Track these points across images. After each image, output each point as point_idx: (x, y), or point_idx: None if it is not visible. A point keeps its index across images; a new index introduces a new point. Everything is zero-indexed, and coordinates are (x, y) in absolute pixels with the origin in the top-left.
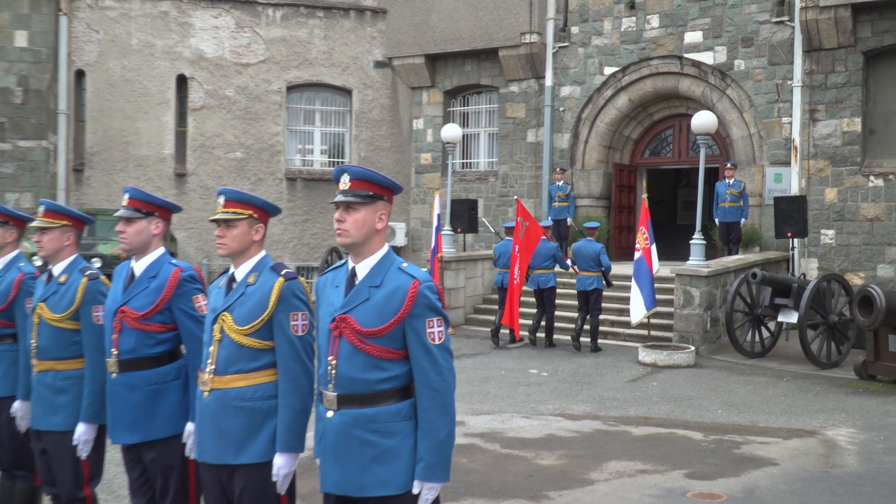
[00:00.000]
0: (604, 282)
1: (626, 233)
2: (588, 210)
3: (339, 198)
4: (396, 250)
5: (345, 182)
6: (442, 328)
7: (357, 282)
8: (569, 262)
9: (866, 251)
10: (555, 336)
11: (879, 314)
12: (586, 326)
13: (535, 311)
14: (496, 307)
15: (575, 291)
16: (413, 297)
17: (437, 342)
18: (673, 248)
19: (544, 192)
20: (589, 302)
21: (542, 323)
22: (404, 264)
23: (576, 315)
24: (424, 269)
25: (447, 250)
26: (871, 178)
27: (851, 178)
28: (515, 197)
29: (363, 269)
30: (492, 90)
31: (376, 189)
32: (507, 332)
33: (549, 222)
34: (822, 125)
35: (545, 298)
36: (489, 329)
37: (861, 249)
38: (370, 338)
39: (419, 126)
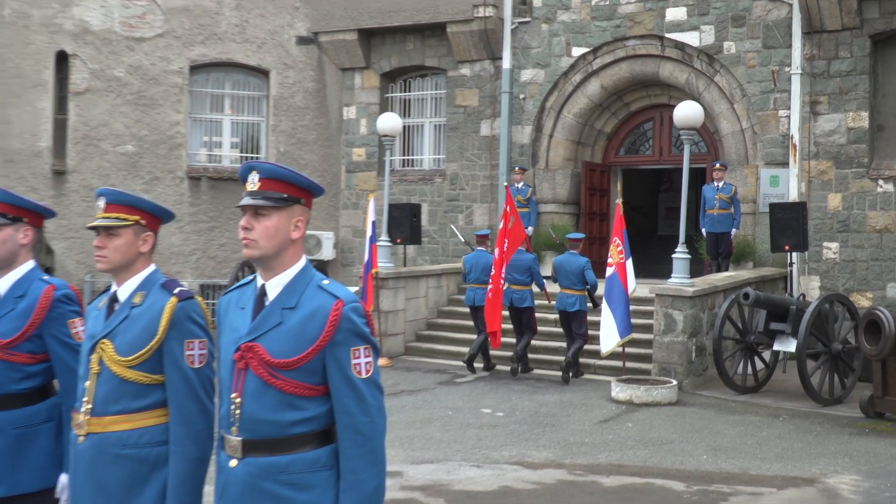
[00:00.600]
0: (589, 302)
1: (597, 245)
2: (553, 217)
3: (247, 201)
4: (323, 265)
5: (253, 182)
6: (370, 359)
7: (267, 303)
8: (545, 280)
9: (874, 268)
10: (537, 369)
11: (888, 342)
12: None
13: (516, 334)
14: (442, 333)
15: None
16: (335, 320)
17: (364, 376)
18: (652, 262)
19: (501, 195)
20: (570, 325)
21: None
22: (325, 281)
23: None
24: (355, 288)
25: (384, 265)
26: (881, 182)
27: (858, 182)
28: (505, 184)
29: (275, 287)
30: (438, 73)
31: (292, 190)
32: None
33: (528, 231)
34: (825, 120)
35: (523, 320)
36: (463, 360)
37: (868, 266)
38: (283, 370)
39: (351, 115)
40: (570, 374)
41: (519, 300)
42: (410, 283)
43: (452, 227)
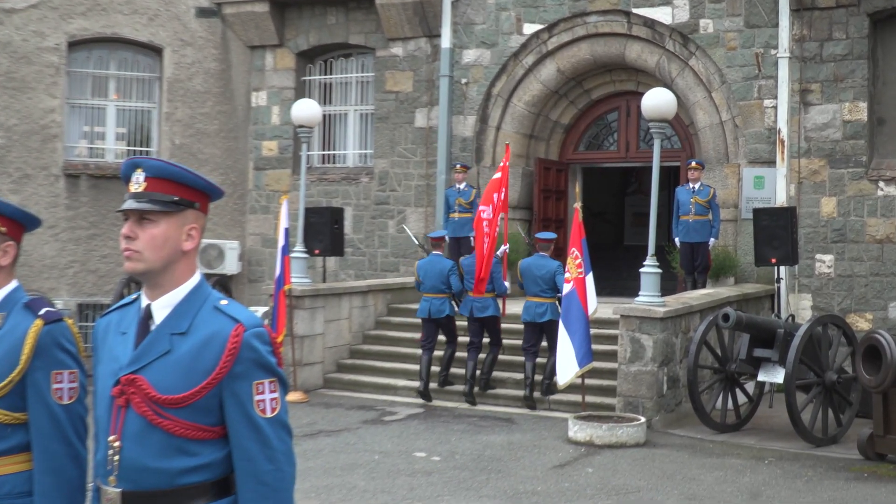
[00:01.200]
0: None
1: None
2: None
3: (129, 204)
4: (226, 280)
5: (138, 182)
6: (277, 394)
7: (153, 327)
8: (506, 284)
9: (874, 284)
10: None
11: (890, 371)
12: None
13: (471, 349)
14: (368, 362)
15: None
16: (235, 349)
17: (269, 415)
18: (617, 277)
19: (440, 197)
20: (538, 338)
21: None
22: (224, 301)
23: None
24: (264, 309)
25: (299, 281)
26: (881, 184)
27: (855, 184)
28: (507, 143)
29: (162, 308)
30: (365, 53)
31: (185, 192)
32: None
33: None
34: (817, 111)
35: (487, 331)
36: (419, 388)
37: (868, 282)
38: (171, 408)
39: (261, 102)
40: (535, 397)
41: (480, 309)
42: (331, 303)
43: (405, 227)
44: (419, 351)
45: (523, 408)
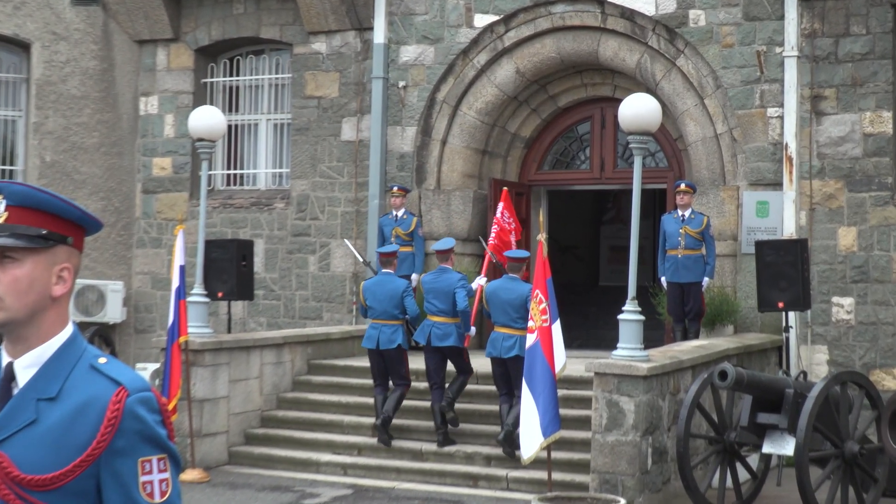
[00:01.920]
0: None
1: None
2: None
3: None
4: (107, 331)
5: None
6: (167, 474)
7: (16, 390)
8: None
9: None
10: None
11: None
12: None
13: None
14: (284, 432)
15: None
16: (115, 418)
17: (158, 499)
18: (591, 326)
19: (372, 227)
20: (510, 378)
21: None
22: (102, 360)
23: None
24: (154, 366)
25: (198, 331)
26: None
27: (879, 211)
28: (504, 188)
29: (27, 367)
30: (280, 49)
31: (55, 224)
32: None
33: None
34: (832, 122)
35: (452, 362)
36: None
37: None
38: (38, 491)
39: (151, 109)
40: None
41: (440, 337)
42: (238, 358)
43: (347, 241)
44: (346, 418)
45: (492, 466)
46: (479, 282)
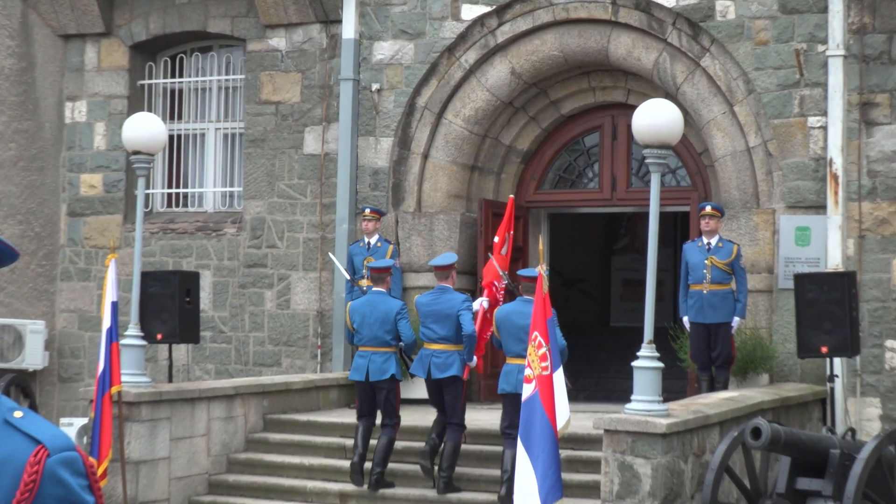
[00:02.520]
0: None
1: None
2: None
3: None
4: (26, 378)
5: None
6: None
7: None
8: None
9: None
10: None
11: None
12: None
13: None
14: (236, 499)
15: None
16: (33, 482)
17: None
18: (600, 374)
19: (340, 257)
20: (512, 414)
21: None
22: (18, 413)
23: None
24: (82, 421)
25: (133, 380)
26: None
27: None
28: (511, 196)
29: None
30: (232, 45)
31: None
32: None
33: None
34: (885, 134)
35: (445, 398)
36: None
37: None
38: None
39: (78, 116)
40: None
41: (441, 367)
42: (181, 413)
43: (331, 255)
44: (309, 483)
45: None
46: (481, 303)
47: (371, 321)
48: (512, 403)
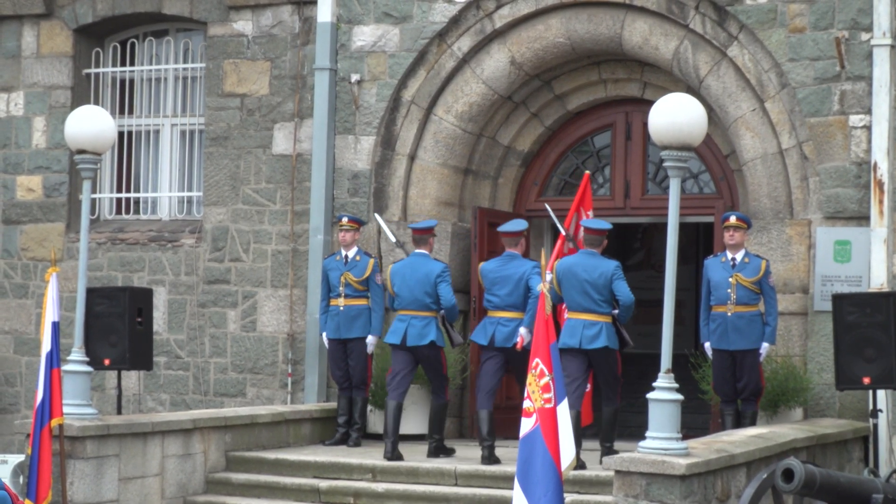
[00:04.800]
0: (618, 335)
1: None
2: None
3: None
4: None
5: None
6: None
7: None
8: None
9: None
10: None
11: None
12: None
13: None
14: None
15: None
16: None
17: None
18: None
19: (314, 272)
20: (585, 373)
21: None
22: None
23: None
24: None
25: (77, 411)
26: None
27: None
28: (586, 172)
29: None
30: (191, 29)
31: None
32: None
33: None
34: None
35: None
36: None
37: None
38: None
39: (14, 110)
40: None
41: (505, 337)
42: (131, 449)
43: (377, 215)
44: None
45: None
46: (543, 287)
47: (411, 283)
48: (575, 361)
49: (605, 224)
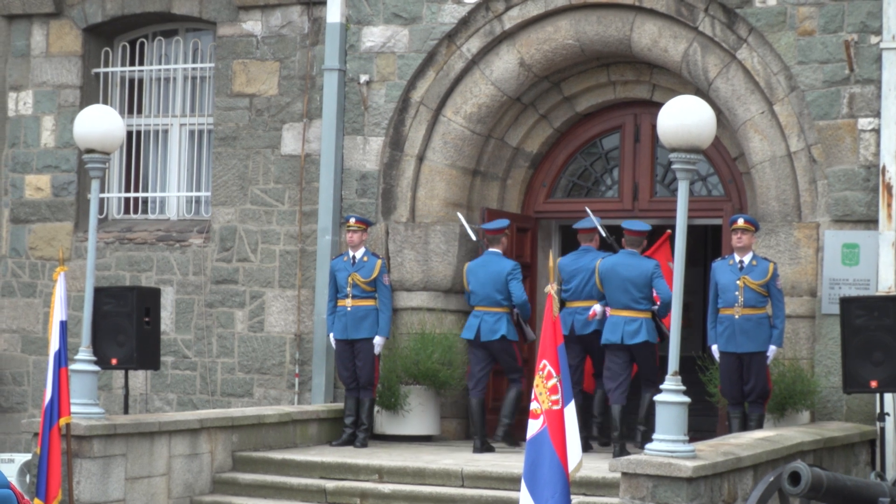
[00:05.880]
0: (656, 326)
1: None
2: (424, 317)
3: None
4: None
5: None
6: None
7: None
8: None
9: None
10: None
11: None
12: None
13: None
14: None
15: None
16: None
17: None
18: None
19: (321, 272)
20: (627, 368)
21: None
22: None
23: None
24: (21, 459)
25: (84, 411)
26: None
27: None
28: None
29: None
30: (200, 30)
31: None
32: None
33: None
34: None
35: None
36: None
37: None
38: None
39: (24, 109)
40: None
41: (585, 323)
42: (138, 449)
43: (459, 215)
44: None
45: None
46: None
47: (484, 280)
48: (618, 355)
49: (644, 226)
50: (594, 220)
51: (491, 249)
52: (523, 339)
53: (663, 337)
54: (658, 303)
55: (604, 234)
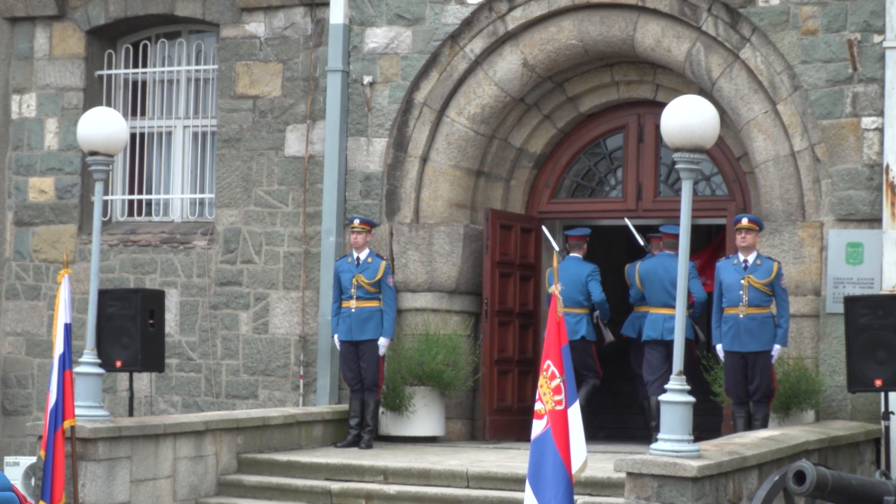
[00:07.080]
0: (695, 331)
1: (517, 374)
2: (429, 318)
3: None
4: None
5: None
6: None
7: None
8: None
9: None
10: None
11: None
12: None
13: None
14: None
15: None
16: None
17: None
18: (621, 409)
19: (326, 274)
20: (667, 362)
21: None
22: None
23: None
24: (26, 462)
25: (89, 413)
26: None
27: None
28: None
29: None
30: (203, 32)
31: None
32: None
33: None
34: None
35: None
36: None
37: None
38: None
39: (27, 111)
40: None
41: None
42: (143, 451)
43: (544, 228)
44: None
45: None
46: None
47: (564, 283)
48: (657, 350)
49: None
50: (631, 228)
51: (572, 254)
52: (602, 340)
53: (696, 337)
54: (692, 303)
55: (642, 243)
